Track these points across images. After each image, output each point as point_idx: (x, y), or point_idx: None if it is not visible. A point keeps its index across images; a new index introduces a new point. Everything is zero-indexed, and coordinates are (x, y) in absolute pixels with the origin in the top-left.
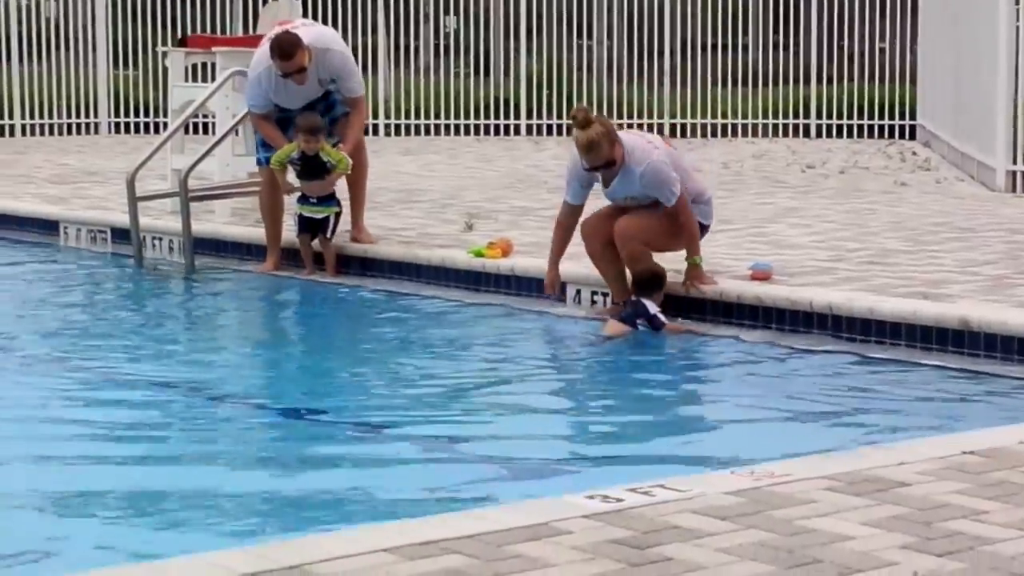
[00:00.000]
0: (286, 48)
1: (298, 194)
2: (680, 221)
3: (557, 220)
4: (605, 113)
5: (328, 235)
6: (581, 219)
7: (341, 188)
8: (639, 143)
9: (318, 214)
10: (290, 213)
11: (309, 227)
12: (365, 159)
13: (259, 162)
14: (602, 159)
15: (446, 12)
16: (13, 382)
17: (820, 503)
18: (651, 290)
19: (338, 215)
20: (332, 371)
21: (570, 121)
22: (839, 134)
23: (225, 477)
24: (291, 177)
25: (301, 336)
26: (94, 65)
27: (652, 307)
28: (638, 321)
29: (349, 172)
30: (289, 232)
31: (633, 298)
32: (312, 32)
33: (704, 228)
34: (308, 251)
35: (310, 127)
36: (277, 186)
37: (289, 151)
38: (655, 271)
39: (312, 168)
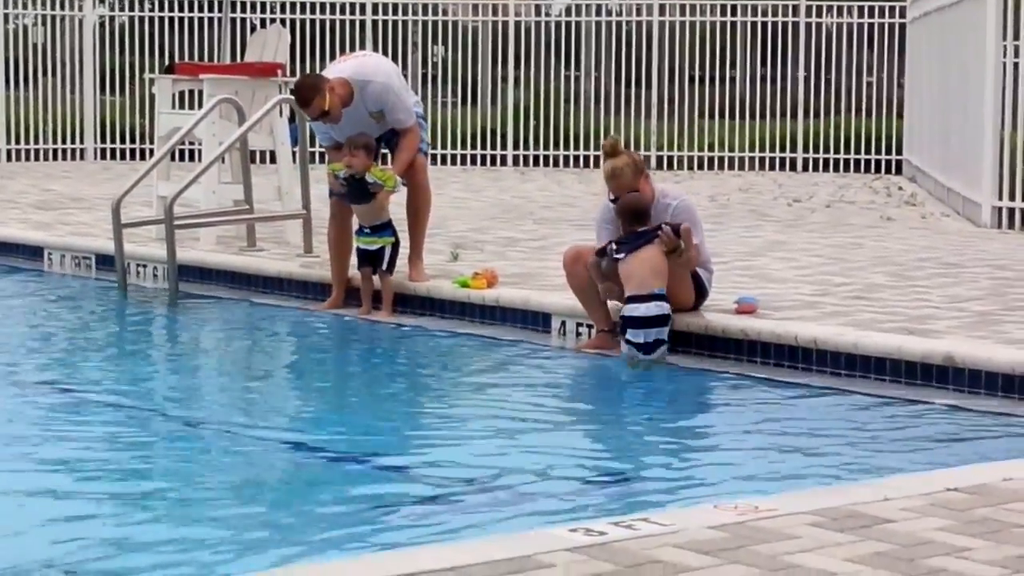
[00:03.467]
0: (302, 94)
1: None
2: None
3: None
4: (592, 144)
5: (385, 267)
6: (564, 250)
7: (399, 220)
8: (671, 187)
9: (372, 245)
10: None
11: (366, 259)
12: (425, 196)
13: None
14: (625, 188)
15: (434, 41)
16: None
17: (804, 538)
18: (639, 220)
19: (395, 246)
20: (308, 400)
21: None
22: (825, 168)
23: (202, 506)
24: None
25: (278, 365)
26: (81, 91)
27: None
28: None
29: (397, 191)
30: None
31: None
32: (353, 66)
33: (702, 296)
34: (367, 286)
35: (351, 146)
36: (343, 223)
37: (340, 167)
38: (644, 205)
39: (358, 191)
